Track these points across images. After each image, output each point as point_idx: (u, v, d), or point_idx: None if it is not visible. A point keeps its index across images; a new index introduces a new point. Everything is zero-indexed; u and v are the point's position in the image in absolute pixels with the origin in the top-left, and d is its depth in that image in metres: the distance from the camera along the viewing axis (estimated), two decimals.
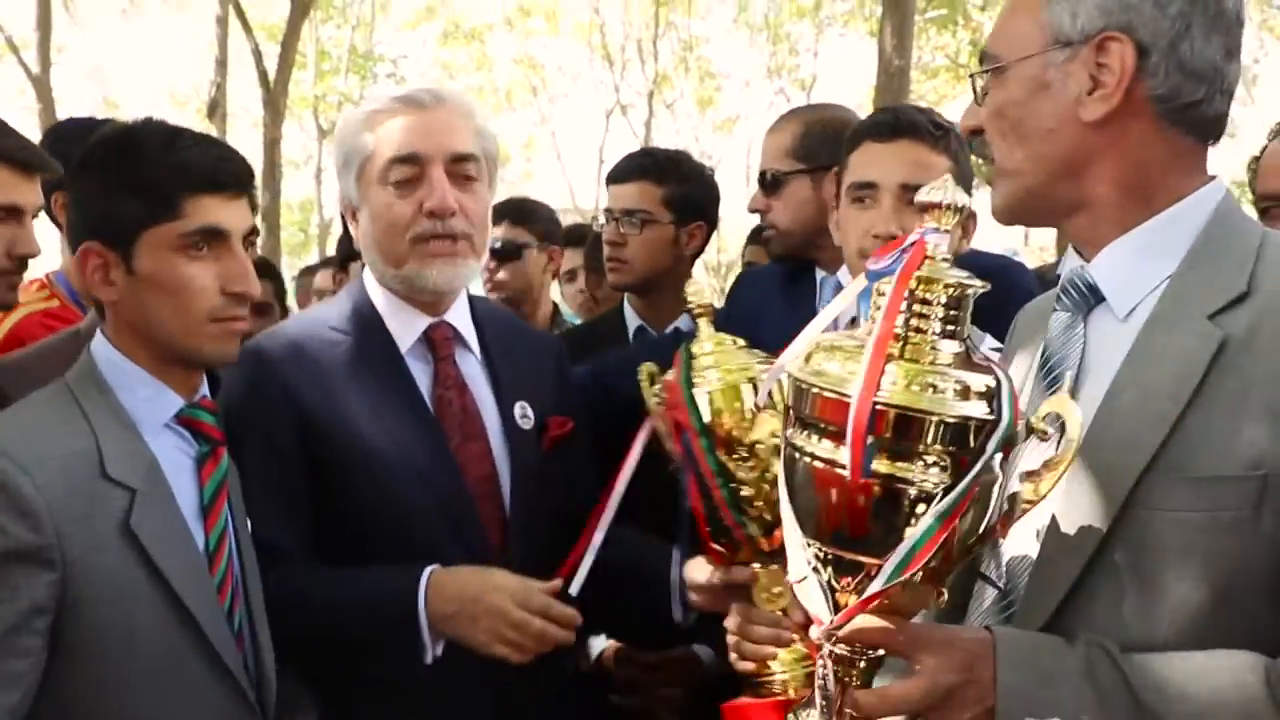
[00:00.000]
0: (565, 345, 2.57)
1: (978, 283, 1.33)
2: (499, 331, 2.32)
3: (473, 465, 2.15)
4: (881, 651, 1.35)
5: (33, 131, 3.13)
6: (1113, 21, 1.40)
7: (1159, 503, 1.34)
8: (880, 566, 1.24)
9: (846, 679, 1.35)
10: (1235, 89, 1.47)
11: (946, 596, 1.36)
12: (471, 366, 2.24)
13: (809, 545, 1.31)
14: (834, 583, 1.31)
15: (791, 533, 1.33)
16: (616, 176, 3.16)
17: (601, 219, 3.23)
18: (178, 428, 1.86)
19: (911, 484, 1.25)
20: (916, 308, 1.30)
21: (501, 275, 3.78)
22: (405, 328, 2.20)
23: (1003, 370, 1.32)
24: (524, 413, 2.23)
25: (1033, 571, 1.44)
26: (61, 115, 12.18)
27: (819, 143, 2.70)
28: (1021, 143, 1.48)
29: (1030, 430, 1.29)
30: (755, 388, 1.85)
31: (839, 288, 2.53)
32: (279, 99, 16.52)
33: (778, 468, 1.38)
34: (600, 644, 2.70)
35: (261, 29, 18.41)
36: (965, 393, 1.26)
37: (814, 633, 1.33)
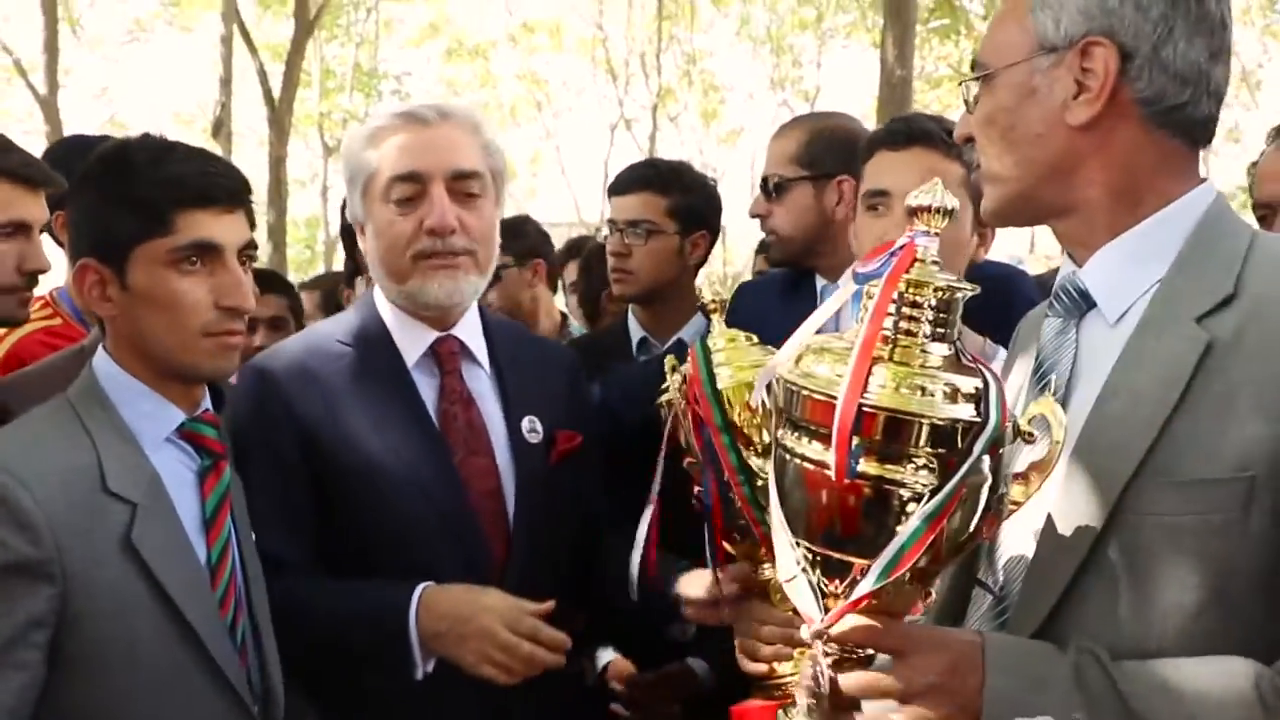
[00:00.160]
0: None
1: (967, 286, 1.34)
2: (511, 345, 2.32)
3: (476, 480, 2.15)
4: (871, 651, 1.35)
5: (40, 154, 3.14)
6: (1095, 26, 1.41)
7: (1148, 507, 1.34)
8: (869, 567, 1.25)
9: (835, 679, 1.35)
10: (1224, 91, 1.48)
11: (934, 596, 1.37)
12: (480, 381, 2.24)
13: (798, 545, 1.31)
14: (823, 583, 1.31)
15: (780, 533, 1.33)
16: (619, 188, 3.16)
17: (606, 231, 3.21)
18: (179, 442, 1.86)
19: (900, 485, 1.25)
20: (906, 310, 1.31)
21: (489, 298, 3.79)
22: (412, 342, 2.21)
23: (991, 372, 1.32)
24: (532, 426, 2.22)
25: (1026, 576, 1.45)
26: None
27: (823, 150, 2.71)
28: (1011, 148, 1.49)
29: (1017, 432, 1.30)
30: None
31: None
32: (284, 117, 16.63)
33: (769, 469, 1.39)
34: (607, 656, 2.70)
35: (266, 48, 18.56)
36: (954, 395, 1.26)
37: (804, 632, 1.33)
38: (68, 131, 15.17)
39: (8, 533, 1.65)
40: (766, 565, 1.92)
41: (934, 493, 1.24)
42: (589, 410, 2.38)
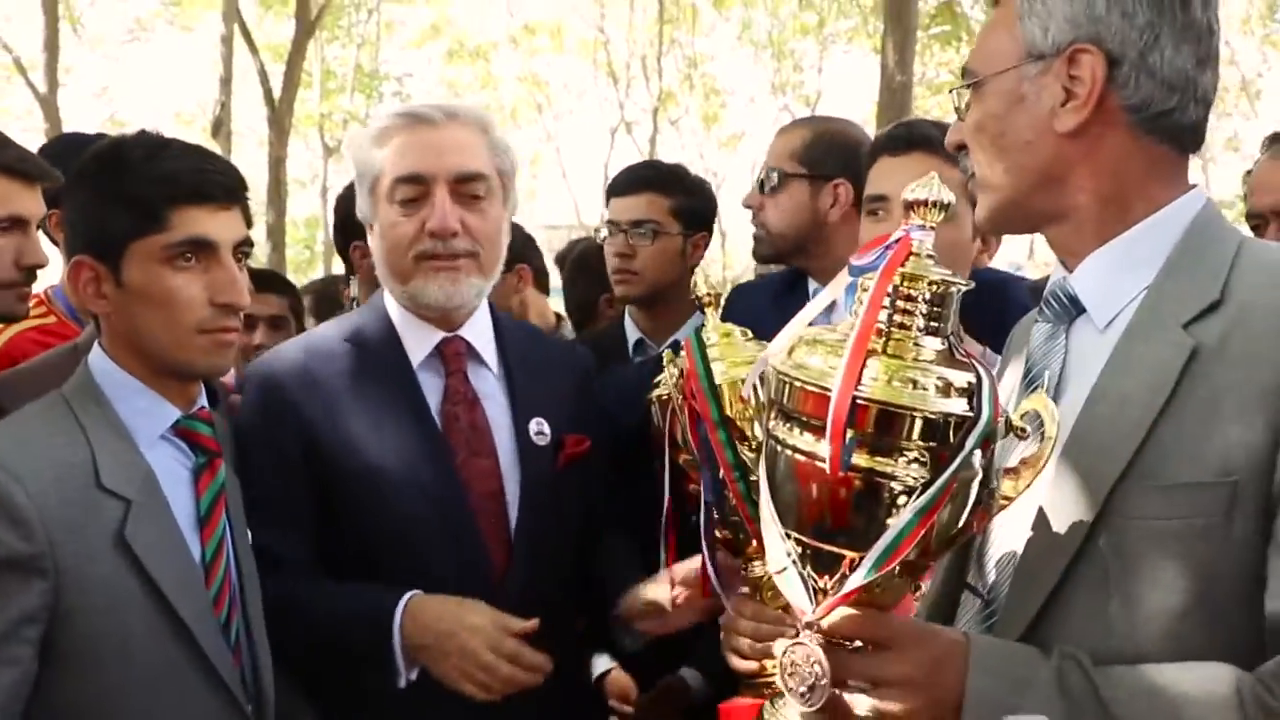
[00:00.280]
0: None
1: (961, 280, 1.33)
2: (521, 346, 2.32)
3: (478, 482, 2.15)
4: (859, 644, 1.35)
5: None
6: (1082, 34, 1.42)
7: (1133, 511, 1.34)
8: (859, 560, 1.25)
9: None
10: (1212, 97, 1.48)
11: (924, 598, 1.37)
12: (486, 382, 2.24)
13: (788, 538, 1.32)
14: (813, 576, 1.32)
15: (770, 524, 1.33)
16: (621, 188, 3.14)
17: (605, 232, 3.19)
18: (175, 439, 1.87)
19: (892, 478, 1.25)
20: (900, 304, 1.30)
21: None
22: (418, 342, 2.21)
23: (984, 367, 1.32)
24: (540, 429, 2.22)
25: (1013, 579, 1.45)
26: None
27: (825, 152, 2.73)
28: (1001, 155, 1.50)
29: (1009, 427, 1.30)
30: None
31: None
32: (284, 118, 16.62)
33: (760, 461, 1.39)
34: (604, 663, 2.70)
35: (267, 49, 18.55)
36: (946, 389, 1.26)
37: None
38: (67, 130, 15.18)
39: (0, 528, 1.66)
40: (757, 562, 1.93)
41: (926, 486, 1.24)
42: (597, 413, 2.36)
